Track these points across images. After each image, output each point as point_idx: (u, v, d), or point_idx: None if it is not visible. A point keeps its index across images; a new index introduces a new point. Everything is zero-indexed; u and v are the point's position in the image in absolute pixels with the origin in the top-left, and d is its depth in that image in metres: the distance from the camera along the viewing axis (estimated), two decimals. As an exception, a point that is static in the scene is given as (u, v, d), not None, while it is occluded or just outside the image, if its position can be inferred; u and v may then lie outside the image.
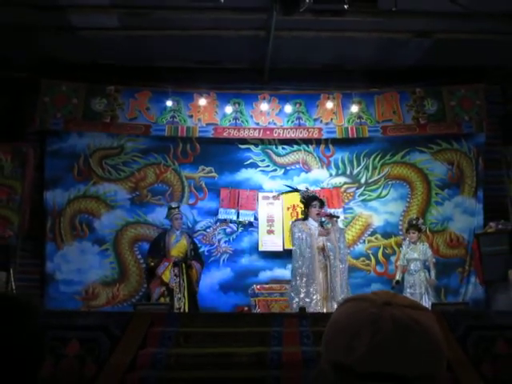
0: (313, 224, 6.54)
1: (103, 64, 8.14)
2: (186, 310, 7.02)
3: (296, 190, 7.08)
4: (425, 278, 7.11)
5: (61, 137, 8.23)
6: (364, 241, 8.29)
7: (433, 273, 7.12)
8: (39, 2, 6.67)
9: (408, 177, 8.43)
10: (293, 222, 6.87)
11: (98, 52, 7.90)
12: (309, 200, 6.64)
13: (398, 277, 7.30)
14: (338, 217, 7.04)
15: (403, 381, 0.81)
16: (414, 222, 7.43)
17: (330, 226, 6.64)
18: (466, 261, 8.10)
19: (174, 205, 7.66)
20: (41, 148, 8.13)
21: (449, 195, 8.34)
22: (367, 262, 8.22)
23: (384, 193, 8.42)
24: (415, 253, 7.16)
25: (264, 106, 8.21)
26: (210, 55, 8.15)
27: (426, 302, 6.72)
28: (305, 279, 6.22)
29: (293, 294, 6.25)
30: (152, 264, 7.22)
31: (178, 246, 7.34)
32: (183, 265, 7.26)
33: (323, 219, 6.64)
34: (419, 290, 6.98)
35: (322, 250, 6.39)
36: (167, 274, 7.12)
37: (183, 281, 7.17)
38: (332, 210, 8.05)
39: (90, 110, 8.10)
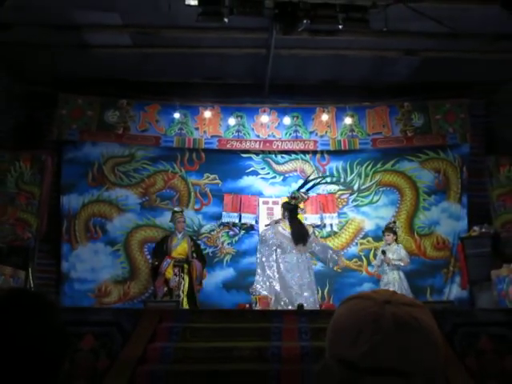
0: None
1: (116, 79, 8.14)
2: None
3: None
4: (398, 276, 7.03)
5: (76, 146, 8.24)
6: (356, 243, 8.27)
7: (397, 263, 6.96)
8: (58, 22, 6.67)
9: (398, 184, 8.41)
10: None
11: (112, 68, 7.90)
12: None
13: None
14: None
15: (405, 375, 0.80)
16: (391, 225, 7.40)
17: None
18: (450, 262, 8.08)
19: (177, 209, 7.66)
20: (58, 156, 8.13)
21: (435, 201, 8.32)
22: (359, 263, 8.20)
23: (375, 199, 8.40)
24: (389, 253, 7.13)
25: (264, 119, 8.23)
26: (215, 71, 8.16)
27: None
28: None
29: None
30: (156, 263, 7.18)
31: (179, 248, 7.29)
32: (184, 265, 7.20)
33: None
34: (393, 288, 6.91)
35: None
36: (170, 270, 7.08)
37: (183, 279, 7.12)
38: (327, 215, 8.14)
39: (103, 121, 8.12)
